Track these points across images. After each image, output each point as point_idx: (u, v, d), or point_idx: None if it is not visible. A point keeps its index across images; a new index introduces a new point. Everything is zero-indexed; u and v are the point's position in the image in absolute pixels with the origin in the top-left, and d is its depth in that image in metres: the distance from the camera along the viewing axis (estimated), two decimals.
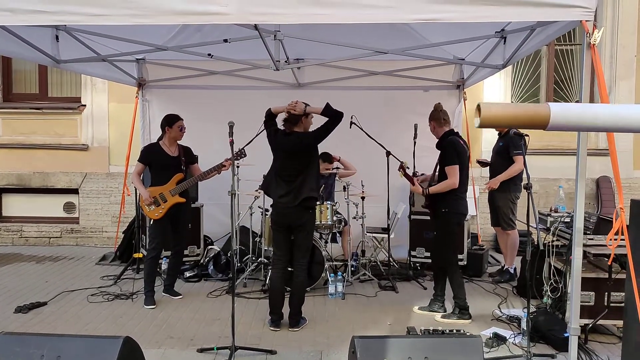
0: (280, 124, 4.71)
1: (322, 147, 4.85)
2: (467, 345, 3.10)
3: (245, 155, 5.38)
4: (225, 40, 4.88)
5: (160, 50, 5.56)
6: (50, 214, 8.36)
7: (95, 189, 8.19)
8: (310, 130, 4.65)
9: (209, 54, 5.28)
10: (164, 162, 5.22)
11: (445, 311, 4.94)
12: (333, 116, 4.47)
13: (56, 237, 8.21)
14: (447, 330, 4.18)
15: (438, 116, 4.89)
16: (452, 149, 4.72)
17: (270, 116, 4.72)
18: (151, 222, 5.30)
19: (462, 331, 4.21)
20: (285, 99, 6.94)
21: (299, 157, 4.54)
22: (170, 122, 5.22)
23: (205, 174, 5.28)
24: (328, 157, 6.29)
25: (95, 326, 4.62)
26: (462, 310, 4.80)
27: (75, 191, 8.26)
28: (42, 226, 8.25)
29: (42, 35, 5.01)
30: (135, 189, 6.45)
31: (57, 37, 5.15)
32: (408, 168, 5.20)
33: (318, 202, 5.15)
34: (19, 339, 2.99)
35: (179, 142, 5.34)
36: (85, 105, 8.17)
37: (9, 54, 5.95)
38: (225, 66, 6.64)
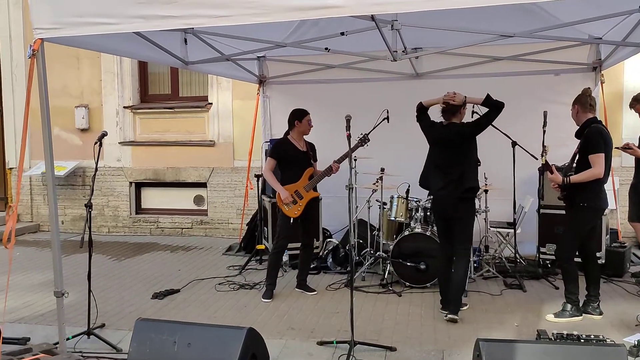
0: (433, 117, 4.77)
1: None
2: (609, 354, 2.83)
3: (368, 141, 5.32)
4: (342, 34, 4.85)
5: (279, 47, 5.69)
6: (182, 207, 8.96)
7: (222, 182, 8.63)
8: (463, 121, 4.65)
9: (326, 48, 5.28)
10: (295, 157, 5.25)
11: (601, 313, 4.60)
12: (494, 106, 4.42)
13: (187, 228, 8.79)
14: (584, 336, 3.81)
15: (585, 100, 4.56)
16: (600, 136, 4.37)
17: (422, 109, 4.76)
18: (280, 215, 5.27)
19: (601, 337, 3.82)
20: (403, 89, 6.91)
21: (459, 147, 4.54)
22: (301, 116, 5.26)
23: (321, 176, 5.26)
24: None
25: (223, 314, 4.85)
26: (574, 307, 4.54)
27: (204, 185, 8.77)
28: (175, 217, 8.87)
29: (172, 39, 5.35)
30: (261, 183, 6.69)
31: (185, 40, 5.46)
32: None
33: None
34: (154, 325, 3.21)
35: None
36: (211, 104, 8.63)
37: (144, 58, 6.45)
38: (342, 59, 6.64)
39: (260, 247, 6.64)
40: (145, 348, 3.12)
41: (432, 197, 4.87)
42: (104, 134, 4.36)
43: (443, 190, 4.59)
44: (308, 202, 5.23)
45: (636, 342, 3.86)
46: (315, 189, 5.33)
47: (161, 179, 8.90)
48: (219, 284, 5.78)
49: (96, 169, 4.36)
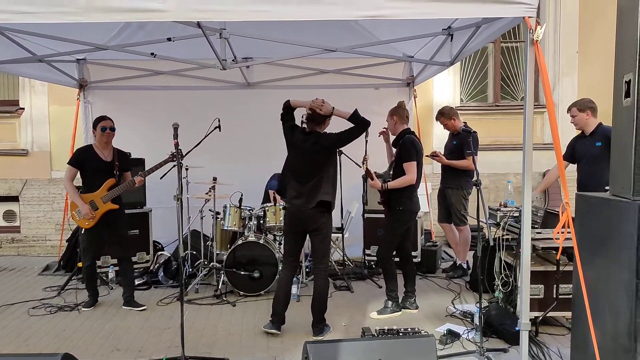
0: (298, 121, 4.52)
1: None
2: (421, 344, 3.09)
3: (182, 156, 5.00)
4: (169, 39, 4.73)
5: (100, 49, 5.33)
6: None
7: (37, 195, 7.82)
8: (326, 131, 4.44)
9: (152, 53, 5.09)
10: (96, 166, 4.96)
11: (417, 307, 5.03)
12: (360, 124, 4.26)
13: None
14: (402, 330, 4.15)
15: (402, 113, 4.96)
16: (412, 145, 4.77)
17: (288, 109, 4.48)
18: (83, 231, 5.04)
19: (416, 329, 4.20)
20: (235, 98, 6.92)
21: (316, 158, 4.32)
22: (94, 124, 5.01)
23: (122, 188, 4.97)
24: None
25: (36, 341, 4.37)
26: (394, 303, 4.93)
27: (15, 199, 7.86)
28: None
29: None
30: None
31: None
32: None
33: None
34: None
35: (117, 147, 5.12)
36: (23, 109, 7.79)
37: None
38: (170, 66, 6.45)
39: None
40: None
41: (286, 207, 4.56)
42: None
43: (297, 199, 4.38)
44: (104, 213, 4.97)
45: (445, 332, 4.31)
46: (117, 201, 5.03)
47: None
48: (33, 307, 5.21)
49: None
